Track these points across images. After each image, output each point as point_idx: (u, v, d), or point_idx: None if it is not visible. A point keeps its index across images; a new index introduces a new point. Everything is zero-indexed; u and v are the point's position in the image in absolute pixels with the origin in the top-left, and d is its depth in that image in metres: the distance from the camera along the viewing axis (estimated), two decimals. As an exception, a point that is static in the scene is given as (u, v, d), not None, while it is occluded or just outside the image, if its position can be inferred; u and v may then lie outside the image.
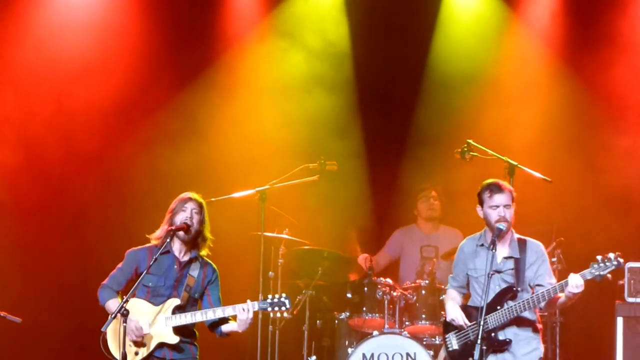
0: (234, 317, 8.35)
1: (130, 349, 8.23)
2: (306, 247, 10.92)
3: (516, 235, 8.42)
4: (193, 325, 8.41)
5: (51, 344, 11.45)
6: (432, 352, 10.44)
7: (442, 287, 10.83)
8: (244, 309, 8.23)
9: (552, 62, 11.91)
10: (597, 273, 8.00)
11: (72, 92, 11.63)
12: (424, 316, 10.70)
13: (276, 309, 8.32)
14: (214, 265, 8.56)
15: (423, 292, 10.74)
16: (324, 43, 12.04)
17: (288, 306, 8.32)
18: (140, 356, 8.22)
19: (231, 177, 11.23)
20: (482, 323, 8.01)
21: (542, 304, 8.22)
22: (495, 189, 8.27)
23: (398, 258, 11.62)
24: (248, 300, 8.28)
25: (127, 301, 7.97)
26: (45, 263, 11.54)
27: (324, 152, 11.28)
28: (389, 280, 10.83)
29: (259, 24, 12.14)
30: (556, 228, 10.49)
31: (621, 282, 10.34)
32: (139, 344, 8.24)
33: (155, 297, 8.36)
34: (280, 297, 8.34)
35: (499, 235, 8.22)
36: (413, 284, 10.84)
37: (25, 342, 11.13)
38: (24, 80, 11.61)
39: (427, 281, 10.80)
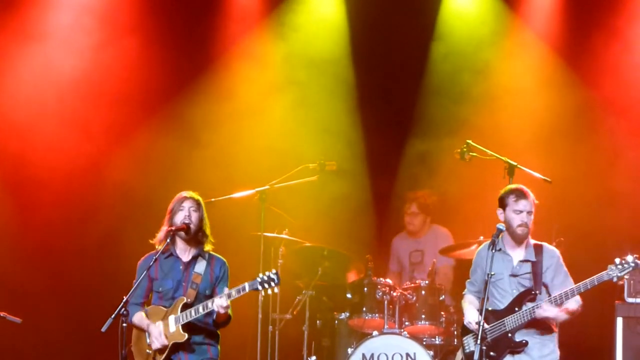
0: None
1: (149, 354, 8.35)
2: (307, 244, 10.93)
3: (532, 241, 8.57)
4: (209, 324, 8.43)
5: (51, 344, 11.45)
6: (432, 352, 10.45)
7: (442, 287, 10.86)
8: (238, 291, 8.22)
9: (552, 61, 11.90)
10: (615, 275, 8.14)
11: (70, 95, 11.64)
12: (423, 316, 10.70)
13: (266, 286, 8.23)
14: (223, 259, 8.58)
15: (423, 292, 10.74)
16: (324, 44, 12.05)
17: (277, 282, 8.23)
18: None
19: (231, 178, 11.23)
20: (481, 323, 8.10)
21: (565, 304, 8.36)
22: (521, 194, 8.44)
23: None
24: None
25: (126, 302, 7.99)
26: (46, 263, 11.55)
27: (323, 152, 11.30)
28: (388, 281, 10.84)
29: (259, 25, 12.14)
30: (556, 228, 10.48)
31: (621, 282, 10.34)
32: (157, 349, 8.33)
33: (167, 301, 8.44)
34: (271, 272, 8.27)
35: (498, 235, 8.31)
36: (413, 284, 10.85)
37: (25, 342, 11.14)
38: (24, 80, 11.65)
39: (426, 281, 10.81)
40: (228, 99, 11.89)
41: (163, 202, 8.71)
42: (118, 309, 7.94)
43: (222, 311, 8.25)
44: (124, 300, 7.99)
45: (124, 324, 7.96)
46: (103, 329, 7.96)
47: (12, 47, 11.59)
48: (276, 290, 8.27)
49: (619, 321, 10.33)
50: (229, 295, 8.21)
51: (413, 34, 12.07)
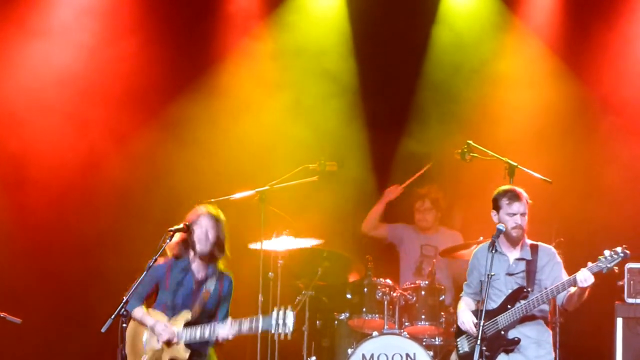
0: None
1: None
2: (306, 247, 10.93)
3: (529, 241, 8.57)
4: (207, 344, 8.43)
5: (51, 344, 11.45)
6: (431, 353, 10.45)
7: (442, 287, 10.86)
8: (250, 328, 8.24)
9: (551, 60, 11.91)
10: (605, 266, 8.16)
11: (69, 93, 11.64)
12: (423, 317, 10.71)
13: (279, 330, 8.20)
14: (231, 277, 8.59)
15: (423, 292, 10.75)
16: (323, 43, 12.05)
17: (291, 328, 8.18)
18: None
19: (231, 178, 11.22)
20: (481, 324, 8.11)
21: (559, 299, 8.37)
22: (514, 197, 8.43)
23: (391, 244, 11.67)
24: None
25: (126, 302, 7.98)
26: (45, 263, 11.54)
27: (323, 151, 11.29)
28: (388, 281, 10.84)
29: (259, 24, 12.14)
30: (556, 228, 10.48)
31: (621, 282, 10.35)
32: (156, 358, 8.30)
33: (170, 310, 8.43)
34: (285, 311, 8.23)
35: (498, 235, 8.33)
36: (412, 285, 10.85)
37: (25, 342, 11.13)
38: (24, 77, 11.64)
39: (426, 282, 10.81)
40: (227, 99, 11.88)
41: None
42: (118, 309, 7.92)
43: (223, 340, 8.30)
44: (123, 301, 7.99)
45: (124, 324, 7.96)
46: (103, 329, 7.94)
47: (12, 44, 11.59)
48: (289, 337, 8.24)
49: (619, 322, 10.34)
50: (239, 331, 8.23)
51: (412, 33, 12.07)
